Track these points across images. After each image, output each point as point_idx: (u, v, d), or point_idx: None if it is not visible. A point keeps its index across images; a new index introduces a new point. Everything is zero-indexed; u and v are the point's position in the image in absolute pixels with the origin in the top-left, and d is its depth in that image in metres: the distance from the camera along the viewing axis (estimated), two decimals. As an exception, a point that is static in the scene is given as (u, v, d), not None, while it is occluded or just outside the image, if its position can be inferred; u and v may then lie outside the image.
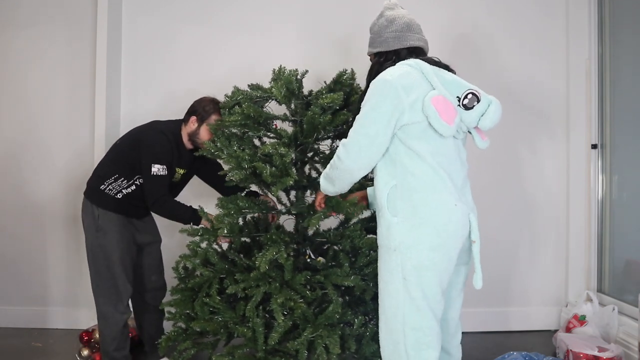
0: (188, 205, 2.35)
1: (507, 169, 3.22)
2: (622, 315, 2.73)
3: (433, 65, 1.67)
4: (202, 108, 2.39)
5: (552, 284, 3.21)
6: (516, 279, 3.21)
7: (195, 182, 2.68)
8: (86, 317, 3.12)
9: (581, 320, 2.82)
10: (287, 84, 2.13)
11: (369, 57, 1.85)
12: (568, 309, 3.06)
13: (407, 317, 1.58)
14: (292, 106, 2.22)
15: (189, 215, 2.32)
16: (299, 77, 2.21)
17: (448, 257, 1.59)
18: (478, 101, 1.61)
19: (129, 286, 2.44)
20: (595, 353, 2.43)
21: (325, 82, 2.27)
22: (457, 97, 1.61)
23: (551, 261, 3.21)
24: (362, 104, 1.64)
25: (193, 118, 2.40)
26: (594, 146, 3.13)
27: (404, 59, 1.69)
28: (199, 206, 2.33)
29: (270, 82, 2.19)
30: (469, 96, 1.60)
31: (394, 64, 1.68)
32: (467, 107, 1.60)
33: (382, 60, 1.76)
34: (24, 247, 3.27)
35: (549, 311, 3.19)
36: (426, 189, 1.58)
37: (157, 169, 2.30)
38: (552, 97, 3.21)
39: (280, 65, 2.21)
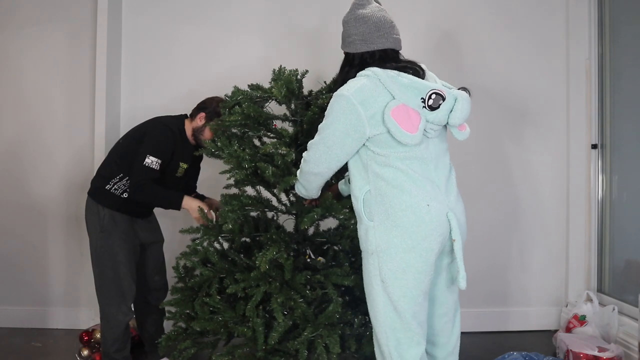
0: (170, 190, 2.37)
1: (507, 169, 3.22)
2: (622, 315, 2.73)
3: (396, 69, 1.63)
4: (212, 107, 2.40)
5: (552, 284, 3.21)
6: (516, 279, 3.21)
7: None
8: (86, 317, 3.13)
9: (581, 320, 2.82)
10: (287, 84, 2.13)
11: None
12: (568, 309, 3.06)
13: (387, 319, 1.61)
14: (292, 106, 2.22)
15: (170, 199, 2.33)
16: (299, 77, 2.21)
17: (424, 258, 1.58)
18: (443, 99, 1.60)
19: (134, 287, 2.44)
20: (595, 353, 2.43)
21: (325, 82, 2.27)
22: (422, 98, 1.59)
23: (551, 261, 3.21)
24: (325, 113, 1.66)
25: (202, 114, 2.41)
26: (594, 146, 3.13)
27: (369, 65, 1.67)
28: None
29: (270, 82, 2.18)
30: (433, 96, 1.59)
31: (359, 70, 1.67)
32: (432, 108, 1.59)
33: (348, 63, 1.76)
34: (25, 247, 3.27)
35: (549, 311, 3.19)
36: (396, 192, 1.58)
37: (151, 160, 2.30)
38: (552, 97, 3.21)
39: (280, 65, 2.21)
